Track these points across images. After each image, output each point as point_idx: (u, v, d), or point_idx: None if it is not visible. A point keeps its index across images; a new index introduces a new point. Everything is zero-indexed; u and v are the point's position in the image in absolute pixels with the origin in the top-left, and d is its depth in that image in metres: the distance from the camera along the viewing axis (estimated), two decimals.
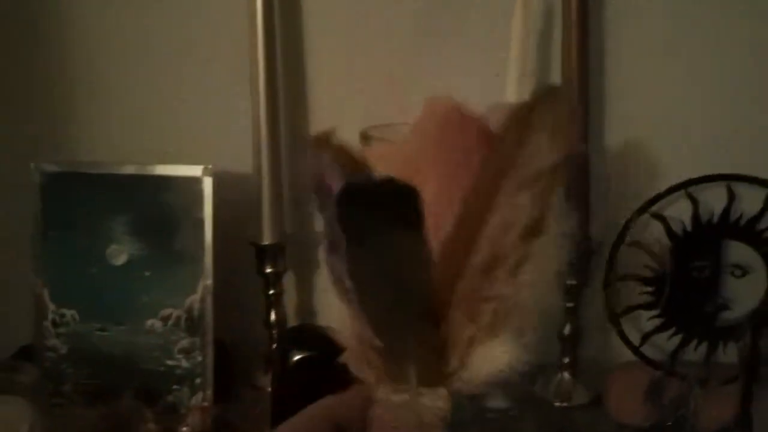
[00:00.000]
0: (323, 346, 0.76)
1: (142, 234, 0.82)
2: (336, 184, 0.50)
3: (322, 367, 0.74)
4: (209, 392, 0.80)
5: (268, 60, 0.84)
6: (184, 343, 0.81)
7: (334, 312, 0.92)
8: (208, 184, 0.80)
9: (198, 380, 0.80)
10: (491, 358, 0.52)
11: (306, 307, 0.96)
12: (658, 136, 0.86)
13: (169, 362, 0.81)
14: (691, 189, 0.81)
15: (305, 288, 0.95)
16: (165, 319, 0.81)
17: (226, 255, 0.83)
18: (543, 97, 0.53)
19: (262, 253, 0.86)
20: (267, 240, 0.86)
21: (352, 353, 0.54)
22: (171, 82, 0.91)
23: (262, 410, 0.78)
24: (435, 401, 0.52)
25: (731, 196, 0.81)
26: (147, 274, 0.82)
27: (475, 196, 0.54)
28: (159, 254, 0.82)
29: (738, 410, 0.69)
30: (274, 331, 0.87)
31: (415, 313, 0.52)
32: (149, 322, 0.81)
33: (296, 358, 0.73)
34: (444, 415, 0.52)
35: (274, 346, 0.87)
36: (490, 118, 0.55)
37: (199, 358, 0.80)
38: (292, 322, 0.92)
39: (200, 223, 0.81)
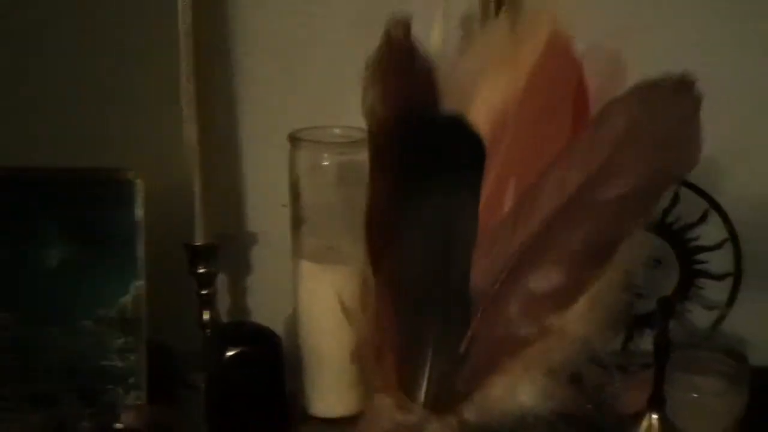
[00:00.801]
0: (256, 342, 0.78)
1: (74, 236, 0.82)
2: (385, 106, 0.42)
3: (255, 363, 0.76)
4: (143, 391, 0.81)
5: (197, 58, 0.84)
6: (118, 343, 0.81)
7: (267, 312, 0.94)
8: (139, 186, 0.81)
9: (132, 379, 0.81)
10: (513, 391, 0.45)
11: (239, 307, 0.97)
12: None
13: (104, 362, 0.81)
14: None
15: (238, 288, 0.97)
16: (98, 320, 0.82)
17: (158, 256, 0.84)
18: (670, 88, 0.43)
19: (194, 254, 0.87)
20: (199, 240, 0.87)
21: (365, 346, 0.48)
22: (101, 83, 0.91)
23: (196, 408, 0.79)
24: None
25: None
26: (80, 275, 0.82)
27: (549, 182, 0.43)
28: (92, 256, 0.82)
29: (652, 392, 0.72)
30: (207, 331, 0.88)
31: (445, 299, 0.44)
32: (83, 322, 0.82)
33: (229, 354, 0.75)
34: None
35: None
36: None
37: (133, 358, 0.81)
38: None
39: (132, 224, 0.81)
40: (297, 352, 0.81)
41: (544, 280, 0.44)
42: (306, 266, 0.79)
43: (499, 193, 0.44)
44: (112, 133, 0.91)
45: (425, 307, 0.44)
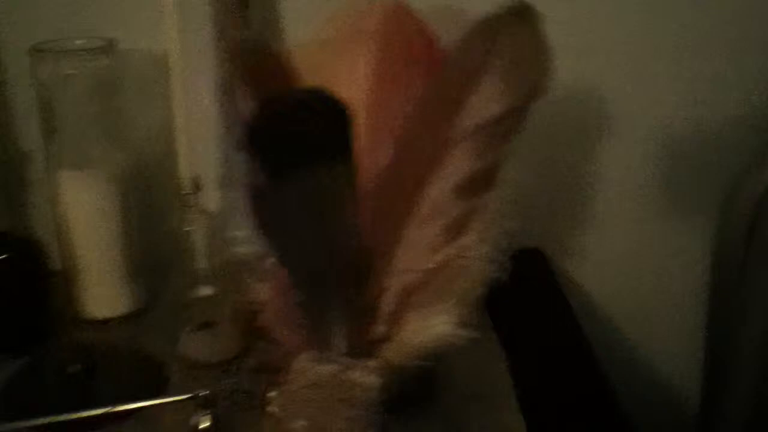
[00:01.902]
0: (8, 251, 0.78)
1: None
2: (248, 104, 0.42)
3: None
4: None
5: None
6: None
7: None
8: None
9: None
10: (425, 327, 0.45)
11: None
12: None
13: None
14: None
15: None
16: None
17: None
18: (509, 17, 0.43)
19: None
20: None
21: (271, 310, 0.48)
22: None
23: None
24: (364, 376, 0.44)
25: None
26: None
27: (419, 125, 0.45)
28: None
29: None
30: None
31: (340, 264, 0.44)
32: None
33: None
34: (373, 392, 0.44)
35: None
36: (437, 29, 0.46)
37: None
38: None
39: None
40: (65, 260, 0.83)
41: (432, 214, 0.45)
42: (62, 175, 0.80)
43: (374, 152, 0.45)
44: None
45: (323, 270, 0.45)
